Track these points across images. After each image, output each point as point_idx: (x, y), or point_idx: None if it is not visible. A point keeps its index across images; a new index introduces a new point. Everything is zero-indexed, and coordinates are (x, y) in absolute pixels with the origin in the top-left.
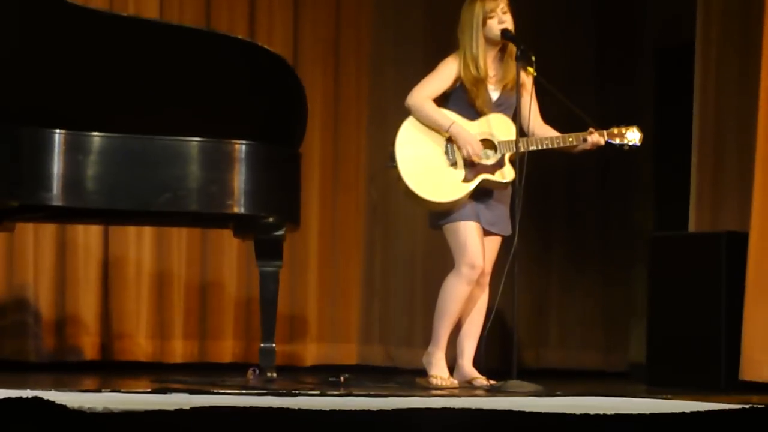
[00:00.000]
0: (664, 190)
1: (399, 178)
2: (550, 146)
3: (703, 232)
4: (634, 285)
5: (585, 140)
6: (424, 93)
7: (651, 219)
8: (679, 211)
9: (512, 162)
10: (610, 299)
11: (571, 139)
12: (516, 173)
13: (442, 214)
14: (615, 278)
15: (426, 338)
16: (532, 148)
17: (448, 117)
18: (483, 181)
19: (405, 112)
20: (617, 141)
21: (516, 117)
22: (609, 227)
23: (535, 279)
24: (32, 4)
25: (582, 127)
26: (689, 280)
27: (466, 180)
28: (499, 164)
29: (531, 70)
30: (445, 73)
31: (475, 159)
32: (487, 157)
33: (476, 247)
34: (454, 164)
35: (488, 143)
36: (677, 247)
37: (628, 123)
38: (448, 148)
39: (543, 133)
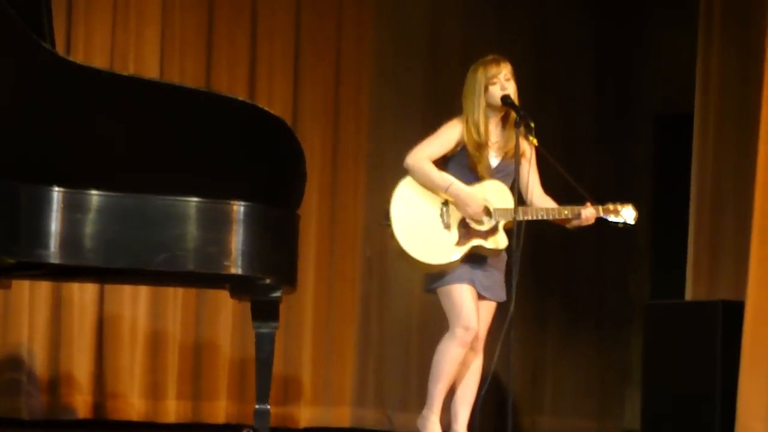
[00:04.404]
0: (660, 258)
1: (392, 237)
2: (545, 217)
3: (699, 301)
4: (629, 353)
5: (579, 214)
6: (424, 154)
7: (647, 287)
8: (675, 279)
9: (506, 230)
10: (605, 366)
11: (566, 212)
12: (509, 241)
13: (435, 277)
14: (610, 346)
15: (421, 401)
16: (528, 217)
17: (447, 178)
18: (475, 247)
19: (402, 173)
20: (612, 217)
21: (514, 185)
22: (605, 295)
23: (530, 346)
24: (30, 62)
25: (579, 198)
26: (684, 348)
27: (458, 244)
28: (493, 231)
29: (533, 138)
30: (448, 136)
31: (473, 224)
32: (482, 223)
33: (470, 309)
34: (447, 227)
35: (484, 210)
36: (673, 315)
37: (624, 194)
38: (443, 210)
39: (541, 203)
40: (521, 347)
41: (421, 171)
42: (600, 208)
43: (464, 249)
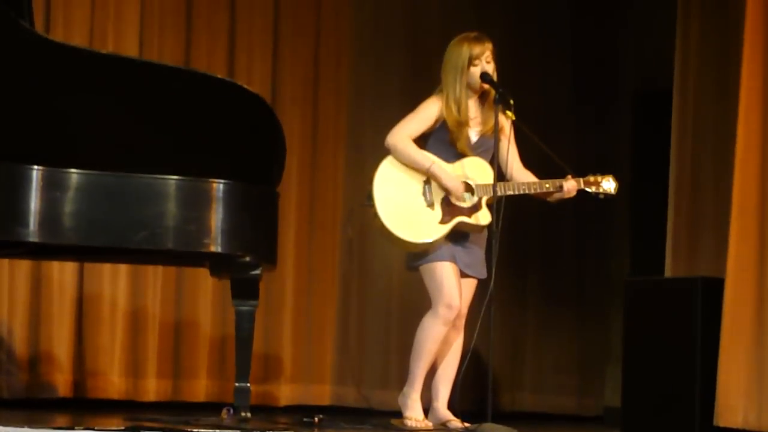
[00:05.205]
0: (640, 236)
1: (376, 216)
2: (526, 191)
3: (679, 278)
4: (609, 330)
5: (561, 187)
6: (405, 132)
7: (627, 264)
8: (655, 256)
9: (489, 206)
10: (585, 343)
11: (547, 185)
12: (492, 217)
13: (418, 255)
14: (591, 323)
15: (401, 379)
16: (509, 192)
17: (429, 157)
18: (459, 224)
19: (383, 153)
20: (593, 189)
21: (494, 161)
22: (585, 271)
23: (511, 323)
24: (8, 40)
25: (559, 173)
26: (665, 325)
27: (442, 222)
28: (476, 207)
29: (510, 113)
30: (427, 114)
31: (455, 201)
32: (464, 200)
33: (453, 287)
34: (431, 205)
35: (465, 186)
36: (652, 292)
37: (604, 171)
38: (425, 189)
39: (521, 177)
40: (501, 324)
41: (403, 151)
42: (581, 180)
43: (448, 226)
